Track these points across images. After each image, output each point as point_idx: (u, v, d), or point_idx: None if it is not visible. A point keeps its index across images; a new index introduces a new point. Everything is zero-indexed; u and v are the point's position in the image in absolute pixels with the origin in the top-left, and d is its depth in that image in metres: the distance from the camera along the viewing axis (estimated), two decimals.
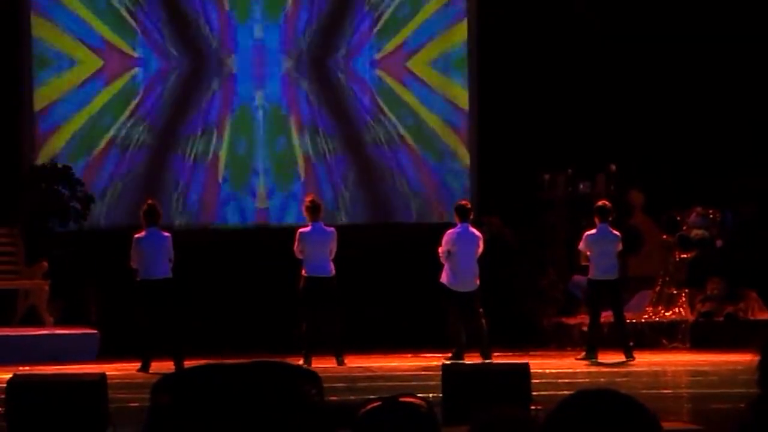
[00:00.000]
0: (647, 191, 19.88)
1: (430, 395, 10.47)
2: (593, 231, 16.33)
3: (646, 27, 20.11)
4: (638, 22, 20.13)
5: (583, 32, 20.01)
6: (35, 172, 18.48)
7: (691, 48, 20.17)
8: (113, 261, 17.41)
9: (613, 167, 19.57)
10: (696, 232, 18.95)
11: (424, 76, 20.06)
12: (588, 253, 16.27)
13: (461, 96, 20.15)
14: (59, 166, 18.48)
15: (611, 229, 16.38)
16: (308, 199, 16.50)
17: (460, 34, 20.13)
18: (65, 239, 18.09)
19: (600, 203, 16.67)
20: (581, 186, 19.70)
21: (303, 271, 15.96)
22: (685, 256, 18.87)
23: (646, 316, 18.45)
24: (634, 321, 17.91)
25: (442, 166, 20.10)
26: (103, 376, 10.13)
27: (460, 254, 15.97)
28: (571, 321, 18.59)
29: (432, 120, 20.09)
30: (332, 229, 16.15)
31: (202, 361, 10.95)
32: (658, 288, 18.84)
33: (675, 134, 20.13)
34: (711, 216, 19.10)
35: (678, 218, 19.25)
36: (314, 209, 16.14)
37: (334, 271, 15.93)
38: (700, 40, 20.22)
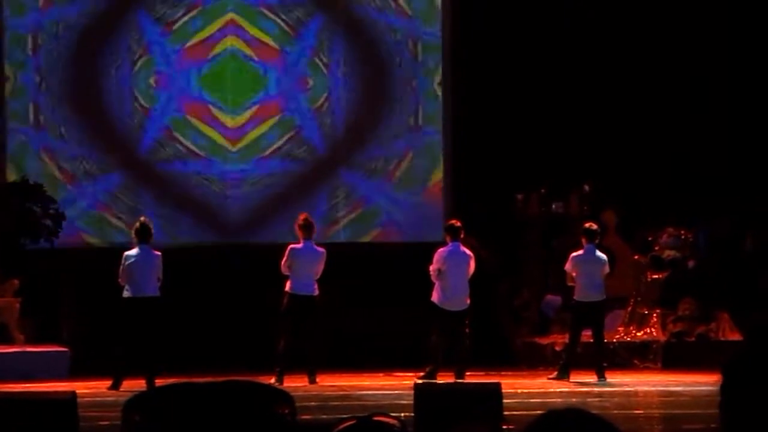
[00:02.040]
0: (620, 211, 19.94)
1: (403, 414, 10.45)
2: (580, 252, 16.37)
3: (617, 49, 20.19)
4: (609, 43, 20.21)
5: (555, 55, 20.07)
6: (7, 189, 18.39)
7: (663, 69, 20.27)
8: (85, 279, 17.34)
9: (587, 187, 19.64)
10: (668, 253, 19.02)
11: (399, 95, 20.07)
12: (574, 274, 16.31)
13: (435, 117, 20.17)
14: (31, 183, 18.39)
15: (598, 251, 16.44)
16: (302, 217, 16.39)
17: (434, 56, 20.17)
18: (37, 257, 18.00)
19: (587, 225, 16.72)
20: (554, 206, 19.75)
21: (287, 288, 15.88)
22: (657, 276, 18.93)
23: (618, 336, 18.48)
24: (606, 341, 17.95)
25: (416, 186, 20.09)
26: (73, 395, 10.06)
27: (450, 273, 15.94)
28: (544, 341, 18.60)
29: (407, 140, 20.10)
30: (323, 249, 16.06)
31: (174, 380, 10.91)
32: (630, 308, 18.88)
33: (647, 155, 20.21)
34: (683, 237, 19.18)
35: (650, 239, 19.32)
36: (307, 227, 16.08)
37: (318, 291, 15.87)
38: (669, 61, 20.33)
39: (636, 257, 19.31)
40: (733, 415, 3.07)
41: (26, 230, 17.99)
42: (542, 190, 19.72)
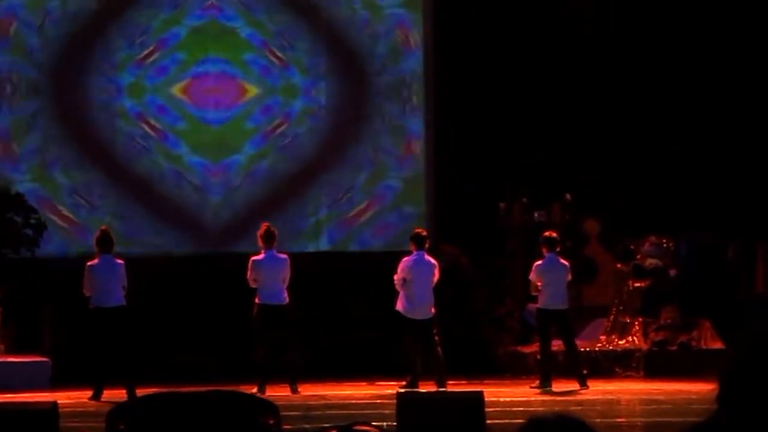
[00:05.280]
0: (602, 220, 19.97)
1: (385, 424, 10.44)
2: (542, 261, 16.42)
3: (600, 59, 20.24)
4: (592, 53, 20.26)
5: (538, 65, 20.10)
6: None
7: (646, 77, 20.32)
8: (66, 288, 17.26)
9: (568, 196, 19.67)
10: (650, 261, 19.05)
11: (380, 104, 20.08)
12: (538, 283, 16.34)
13: (417, 124, 20.19)
14: (12, 192, 18.32)
15: (560, 259, 16.48)
16: (263, 227, 16.40)
17: (415, 64, 20.19)
18: (17, 266, 17.92)
19: (546, 234, 16.77)
20: (536, 215, 19.78)
21: (256, 299, 15.88)
22: (639, 285, 18.96)
23: (600, 345, 18.50)
24: (588, 349, 17.96)
25: (398, 194, 20.09)
26: (54, 405, 10.02)
27: (415, 282, 15.98)
28: (526, 350, 18.61)
29: (388, 148, 20.10)
30: (285, 256, 16.07)
31: (155, 390, 10.87)
32: (612, 317, 18.90)
33: (630, 163, 20.25)
34: (665, 245, 19.21)
35: (632, 247, 19.35)
36: (269, 237, 16.07)
37: (288, 299, 15.87)
38: (653, 69, 20.38)
39: (618, 266, 19.34)
40: (733, 425, 3.08)
41: (7, 240, 17.92)
42: (524, 199, 19.75)
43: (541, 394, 15.88)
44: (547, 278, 16.27)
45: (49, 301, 17.90)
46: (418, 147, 20.20)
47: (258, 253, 16.06)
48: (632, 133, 20.22)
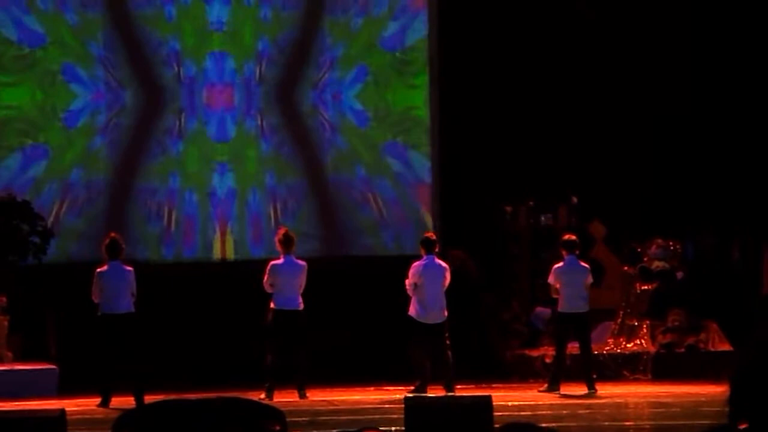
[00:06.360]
0: (608, 223, 19.96)
1: (393, 429, 10.45)
2: (561, 264, 16.40)
3: (603, 62, 20.23)
4: (595, 56, 20.25)
5: (543, 68, 20.10)
6: None
7: (649, 80, 20.32)
8: (72, 295, 17.29)
9: (575, 199, 19.66)
10: (657, 264, 19.03)
11: (385, 108, 20.08)
12: (557, 286, 16.32)
13: (423, 127, 20.18)
14: (18, 200, 18.32)
15: (580, 262, 16.46)
16: (281, 231, 16.36)
17: (421, 68, 20.20)
18: (24, 274, 17.92)
19: (566, 236, 16.75)
20: (543, 218, 19.77)
21: (272, 304, 15.81)
22: (646, 287, 18.94)
23: (608, 348, 18.48)
24: (595, 353, 17.95)
25: (404, 198, 20.09)
26: (62, 413, 10.02)
27: (427, 286, 15.97)
28: (534, 353, 18.60)
29: (394, 152, 20.11)
30: (303, 262, 16.01)
31: (163, 397, 10.87)
32: (619, 320, 18.88)
33: (636, 166, 20.24)
34: (671, 247, 19.19)
35: (639, 250, 19.33)
36: (287, 242, 16.03)
37: (302, 305, 15.83)
38: (655, 72, 20.38)
39: (625, 268, 19.32)
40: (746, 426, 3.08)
41: (13, 248, 17.91)
42: (530, 203, 19.74)
43: (550, 397, 15.85)
44: (565, 281, 16.26)
45: (56, 308, 17.89)
46: (424, 151, 20.19)
47: (277, 258, 16.02)
48: (633, 134, 20.20)
